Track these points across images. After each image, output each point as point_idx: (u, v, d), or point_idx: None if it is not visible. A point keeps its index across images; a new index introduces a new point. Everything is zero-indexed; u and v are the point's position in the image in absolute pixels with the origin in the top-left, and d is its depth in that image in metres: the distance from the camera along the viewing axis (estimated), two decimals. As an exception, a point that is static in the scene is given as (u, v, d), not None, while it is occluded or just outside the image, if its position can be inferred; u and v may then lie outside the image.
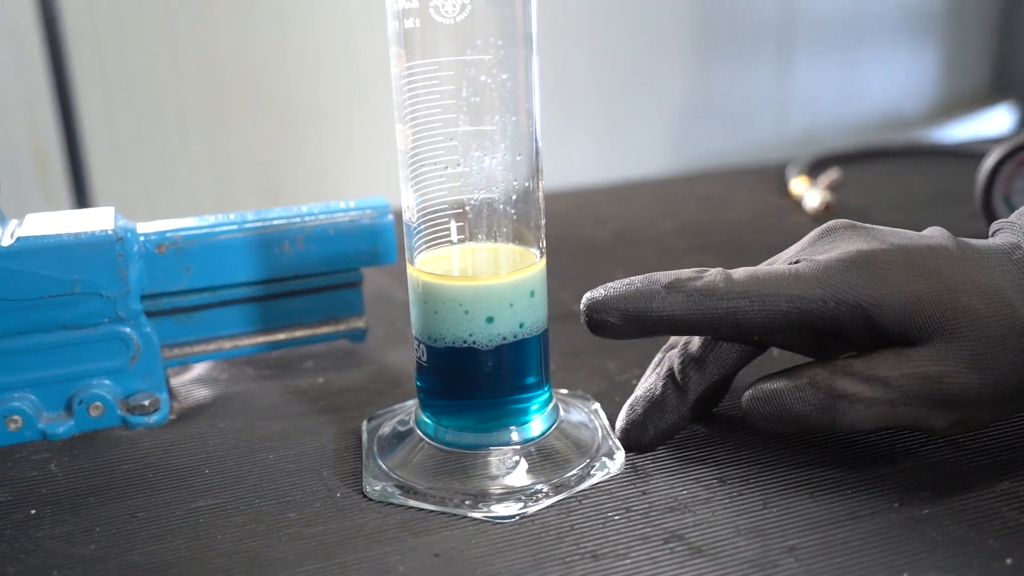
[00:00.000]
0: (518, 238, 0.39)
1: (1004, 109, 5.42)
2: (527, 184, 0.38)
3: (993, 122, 5.22)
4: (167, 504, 0.39)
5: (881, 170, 0.89)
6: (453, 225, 0.39)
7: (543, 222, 0.40)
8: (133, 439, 0.45)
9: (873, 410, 0.37)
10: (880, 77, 4.58)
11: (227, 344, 0.50)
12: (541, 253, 0.40)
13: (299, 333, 0.51)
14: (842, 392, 0.37)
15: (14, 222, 0.46)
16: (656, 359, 0.44)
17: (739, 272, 0.39)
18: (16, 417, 0.44)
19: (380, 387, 0.49)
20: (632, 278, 0.40)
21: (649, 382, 0.42)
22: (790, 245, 0.43)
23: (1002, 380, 0.37)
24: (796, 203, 0.78)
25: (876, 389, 0.37)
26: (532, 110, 0.38)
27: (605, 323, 0.39)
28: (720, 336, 0.40)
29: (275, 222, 0.48)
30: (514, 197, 0.38)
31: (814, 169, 0.87)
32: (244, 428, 0.46)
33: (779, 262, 0.42)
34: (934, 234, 0.40)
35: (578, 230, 0.75)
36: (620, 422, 0.42)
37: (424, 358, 0.40)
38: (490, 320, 0.38)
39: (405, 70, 0.37)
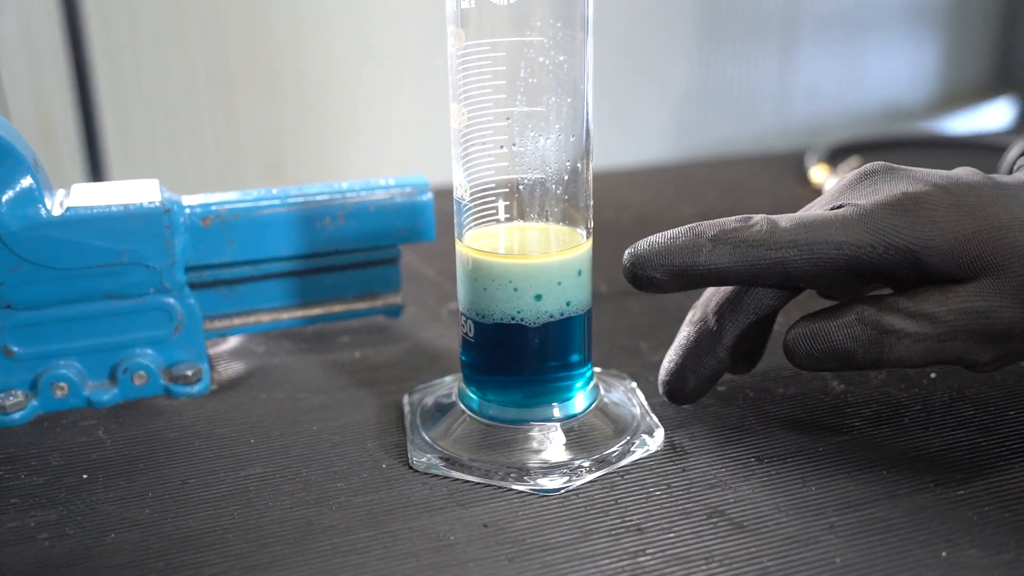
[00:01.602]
0: (567, 218, 0.40)
1: (1005, 102, 5.43)
2: (578, 165, 0.39)
3: (994, 115, 5.23)
4: (216, 472, 0.40)
5: (896, 160, 0.90)
6: (501, 204, 0.40)
7: (591, 203, 0.40)
8: (177, 408, 0.46)
9: (920, 345, 0.37)
10: (882, 68, 4.58)
11: (266, 317, 0.50)
12: (588, 233, 0.40)
13: (337, 308, 0.51)
14: (890, 327, 0.37)
15: (61, 192, 0.46)
16: (690, 314, 0.44)
17: (784, 219, 0.39)
18: (62, 384, 0.45)
19: (417, 362, 0.50)
20: (674, 230, 0.39)
21: (684, 331, 0.43)
22: None
23: None
24: (816, 191, 0.79)
25: (923, 324, 0.37)
26: (586, 92, 0.38)
27: (651, 279, 0.39)
28: (766, 284, 0.40)
29: (317, 198, 0.49)
30: (566, 178, 0.39)
31: (833, 158, 0.88)
32: (285, 399, 0.46)
33: (818, 206, 0.42)
34: (967, 173, 0.41)
35: (601, 214, 0.76)
36: (661, 375, 0.43)
37: (471, 334, 0.41)
38: (538, 298, 0.39)
39: (461, 49, 0.38)
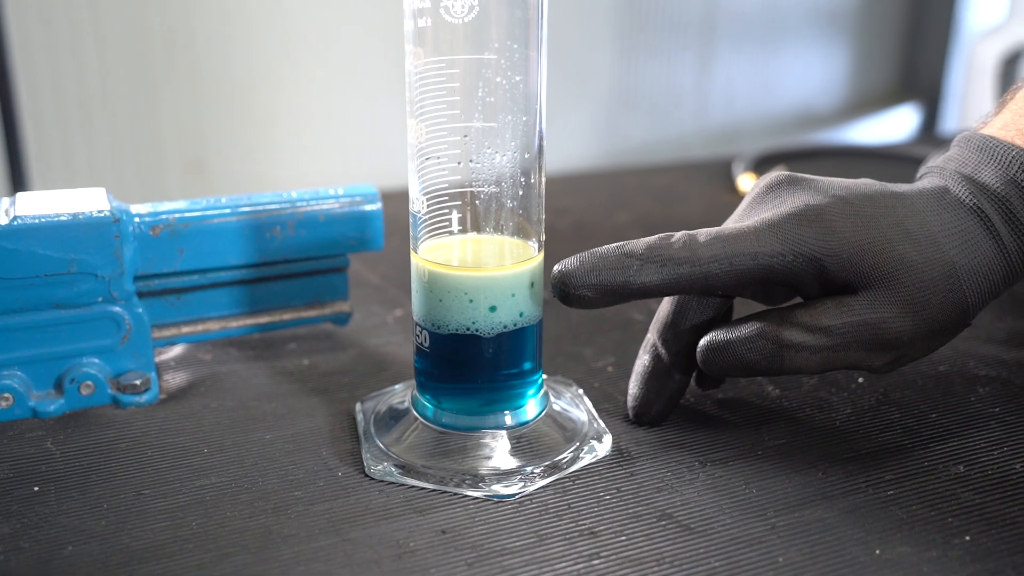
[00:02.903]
0: (519, 231, 0.41)
1: (909, 109, 5.63)
2: (532, 179, 0.40)
3: (899, 121, 5.42)
4: (171, 482, 0.40)
5: (817, 169, 0.94)
6: (455, 216, 0.41)
7: (543, 216, 0.42)
8: (126, 418, 0.46)
9: (817, 355, 0.40)
10: (795, 75, 4.70)
11: (215, 325, 0.50)
12: (540, 246, 0.42)
13: (286, 316, 0.52)
14: (789, 341, 0.40)
15: (6, 200, 0.46)
16: (644, 340, 0.46)
17: (703, 235, 0.41)
18: (7, 395, 0.45)
19: (366, 369, 0.51)
20: (602, 249, 0.41)
21: (640, 359, 0.44)
22: None
23: (932, 319, 0.40)
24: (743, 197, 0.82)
25: (819, 337, 0.40)
26: (540, 109, 0.40)
27: (582, 296, 0.40)
28: (691, 294, 0.42)
29: (267, 207, 0.49)
30: (520, 192, 0.40)
31: (759, 166, 0.91)
32: (236, 408, 0.47)
33: (732, 220, 0.44)
34: (866, 184, 0.43)
35: (537, 219, 0.78)
36: (628, 402, 0.45)
37: (426, 344, 0.42)
38: (493, 309, 0.40)
39: (419, 67, 0.39)
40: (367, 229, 0.51)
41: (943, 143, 1.04)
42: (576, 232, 0.75)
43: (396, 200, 0.62)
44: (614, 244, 0.41)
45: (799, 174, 0.44)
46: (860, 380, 0.49)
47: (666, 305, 0.44)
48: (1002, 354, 0.51)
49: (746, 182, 0.82)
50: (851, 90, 5.28)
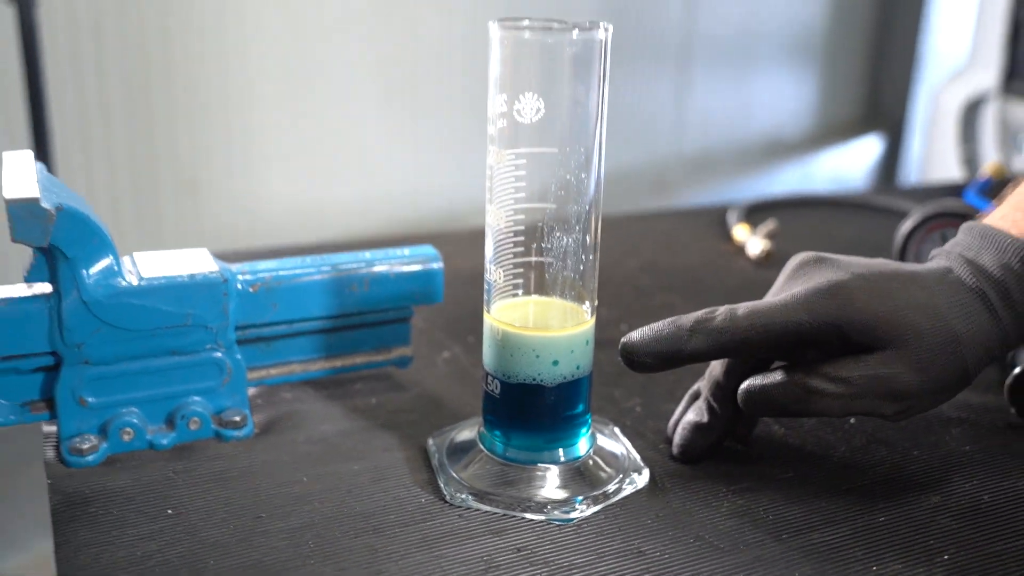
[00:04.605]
0: (577, 297, 0.49)
1: (874, 138, 5.77)
2: (590, 257, 0.48)
3: (864, 149, 5.56)
4: (282, 506, 0.48)
5: (809, 218, 1.03)
6: (523, 282, 0.49)
7: (596, 285, 0.50)
8: (229, 450, 0.53)
9: (838, 401, 0.48)
10: (766, 104, 4.85)
11: (298, 368, 0.58)
12: (593, 310, 0.50)
13: (358, 359, 0.59)
14: (815, 388, 0.48)
15: (127, 259, 0.53)
16: (694, 388, 0.54)
17: (742, 308, 0.49)
18: (128, 429, 0.52)
19: (426, 408, 0.58)
20: (658, 324, 0.50)
21: (694, 412, 0.53)
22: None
23: (936, 378, 0.48)
24: (739, 248, 0.91)
25: (840, 386, 0.48)
26: (598, 201, 0.48)
27: (644, 363, 0.49)
28: (732, 357, 0.51)
29: (346, 267, 0.57)
30: (581, 268, 0.48)
31: (751, 215, 1.00)
32: (322, 441, 0.54)
33: (769, 295, 0.53)
34: (882, 263, 0.52)
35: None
36: (678, 441, 0.53)
37: (497, 391, 0.49)
38: (555, 363, 0.48)
39: (496, 162, 0.47)
40: (430, 285, 0.59)
41: (908, 192, 1.14)
42: (591, 278, 0.83)
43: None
44: (668, 319, 0.49)
45: (825, 254, 0.52)
46: (852, 421, 0.58)
47: (717, 367, 0.52)
48: (972, 399, 0.60)
49: (740, 232, 0.91)
50: (819, 119, 5.42)
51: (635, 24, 3.64)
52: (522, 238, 0.48)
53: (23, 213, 0.45)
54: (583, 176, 0.47)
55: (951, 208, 0.76)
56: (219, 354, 0.53)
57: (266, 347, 0.57)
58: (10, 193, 0.45)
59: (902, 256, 0.78)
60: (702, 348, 0.49)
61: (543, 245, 0.47)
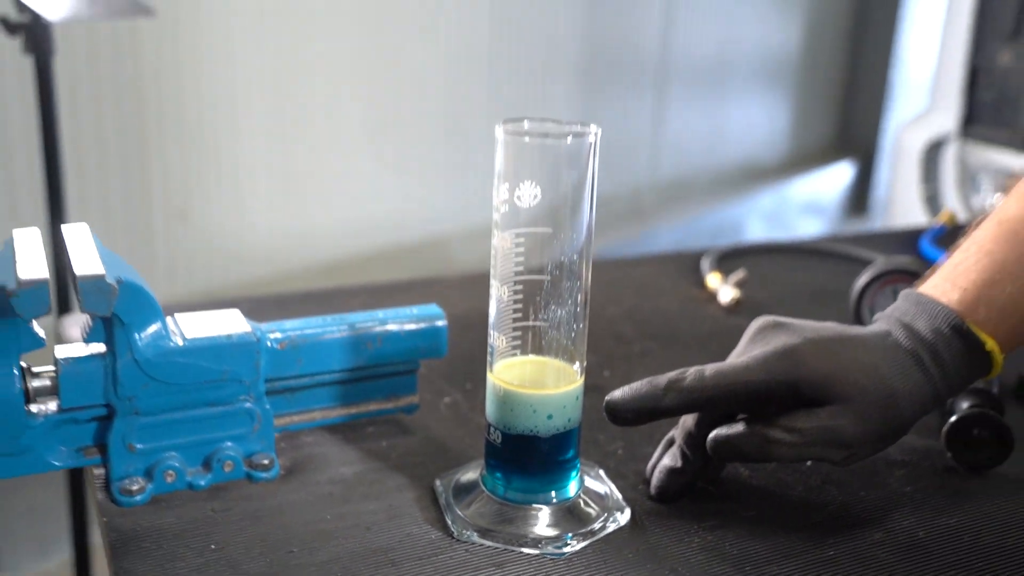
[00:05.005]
0: (569, 358, 0.56)
1: (846, 165, 5.88)
2: (580, 325, 0.56)
3: (836, 176, 5.67)
4: (310, 541, 0.55)
5: (775, 265, 1.11)
6: (522, 344, 0.56)
7: (585, 348, 0.57)
8: (259, 490, 0.60)
9: (792, 449, 0.56)
10: (741, 130, 4.96)
11: (317, 415, 0.65)
12: (583, 370, 0.57)
13: (371, 407, 0.66)
14: (772, 438, 0.56)
15: (170, 320, 0.60)
16: (669, 435, 0.62)
17: (709, 369, 0.57)
18: (171, 471, 0.58)
19: (432, 451, 0.66)
20: (638, 384, 0.57)
21: (669, 457, 0.60)
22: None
23: (876, 430, 0.56)
24: (712, 294, 0.98)
25: (794, 436, 0.56)
26: (587, 277, 0.55)
27: (625, 419, 0.57)
28: (701, 411, 0.58)
29: (362, 326, 0.64)
30: (573, 334, 0.56)
31: (723, 262, 1.08)
32: (341, 482, 0.61)
33: (732, 356, 0.60)
34: (831, 326, 0.59)
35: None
36: (655, 483, 0.60)
37: (498, 440, 0.57)
38: (550, 417, 0.56)
39: (499, 243, 0.54)
40: (436, 342, 0.66)
41: (869, 239, 1.22)
42: (576, 324, 0.91)
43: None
44: (645, 379, 0.57)
45: (781, 319, 0.60)
46: (808, 464, 0.65)
47: (689, 419, 0.59)
48: (915, 443, 0.68)
49: (713, 280, 0.99)
50: (792, 145, 5.55)
51: (614, 50, 3.74)
52: (520, 306, 0.55)
53: (91, 288, 0.52)
54: (575, 257, 0.54)
55: (901, 265, 0.84)
56: (250, 404, 0.60)
57: (290, 396, 0.64)
58: (80, 270, 0.52)
59: (858, 305, 0.86)
60: (674, 405, 0.56)
61: (540, 315, 0.55)
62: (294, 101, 2.61)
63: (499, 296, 0.55)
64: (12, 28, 1.12)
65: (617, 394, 0.57)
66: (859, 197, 5.45)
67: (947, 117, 1.88)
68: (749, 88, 4.64)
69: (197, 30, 2.29)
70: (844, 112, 5.56)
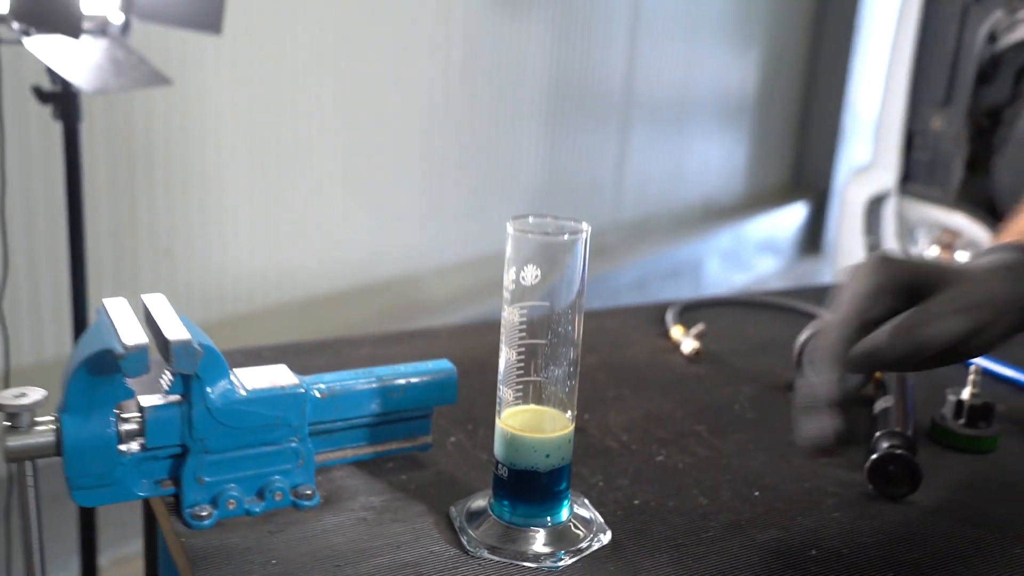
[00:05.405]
0: (563, 407, 0.70)
1: (800, 205, 6.11)
2: (573, 382, 0.69)
3: (791, 216, 5.88)
4: (356, 560, 0.67)
5: (731, 317, 1.25)
6: (524, 395, 0.69)
7: (576, 397, 0.70)
8: (303, 515, 0.72)
9: (935, 325, 0.62)
10: (700, 170, 5.16)
11: (349, 453, 0.77)
12: (573, 417, 0.70)
13: (392, 445, 0.79)
14: (920, 320, 0.63)
15: (232, 374, 0.72)
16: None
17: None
18: (232, 500, 0.71)
19: (444, 483, 0.78)
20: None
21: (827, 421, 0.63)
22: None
23: (1000, 291, 0.65)
24: (675, 345, 1.12)
25: (932, 312, 0.63)
26: (579, 342, 0.69)
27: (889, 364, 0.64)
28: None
29: (387, 378, 0.76)
30: (567, 388, 0.69)
31: (684, 313, 1.22)
32: (372, 509, 0.73)
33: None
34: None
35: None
36: (827, 434, 0.62)
37: (505, 475, 0.70)
38: (548, 456, 0.69)
39: (509, 315, 0.67)
40: (447, 391, 0.79)
41: (814, 292, 1.37)
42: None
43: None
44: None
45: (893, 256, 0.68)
46: (756, 494, 0.79)
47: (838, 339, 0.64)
48: (843, 477, 0.82)
49: (676, 332, 1.13)
50: (749, 185, 5.79)
51: (580, 91, 3.91)
52: (523, 365, 0.69)
53: (182, 352, 0.64)
54: (569, 327, 0.67)
55: (836, 324, 0.98)
56: (296, 444, 0.73)
57: (327, 437, 0.76)
58: (172, 336, 0.64)
59: (799, 359, 1.00)
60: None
61: (540, 373, 0.68)
62: (276, 146, 2.74)
63: (507, 357, 0.68)
64: (44, 97, 1.24)
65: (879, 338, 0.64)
66: (812, 236, 5.68)
67: (887, 174, 2.05)
68: (708, 128, 4.85)
69: (184, 84, 2.41)
70: (798, 154, 5.80)
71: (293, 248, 2.91)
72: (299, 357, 1.00)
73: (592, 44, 3.93)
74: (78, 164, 1.30)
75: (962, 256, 1.86)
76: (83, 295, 1.38)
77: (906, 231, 2.02)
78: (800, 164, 5.89)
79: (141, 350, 0.63)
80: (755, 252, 5.33)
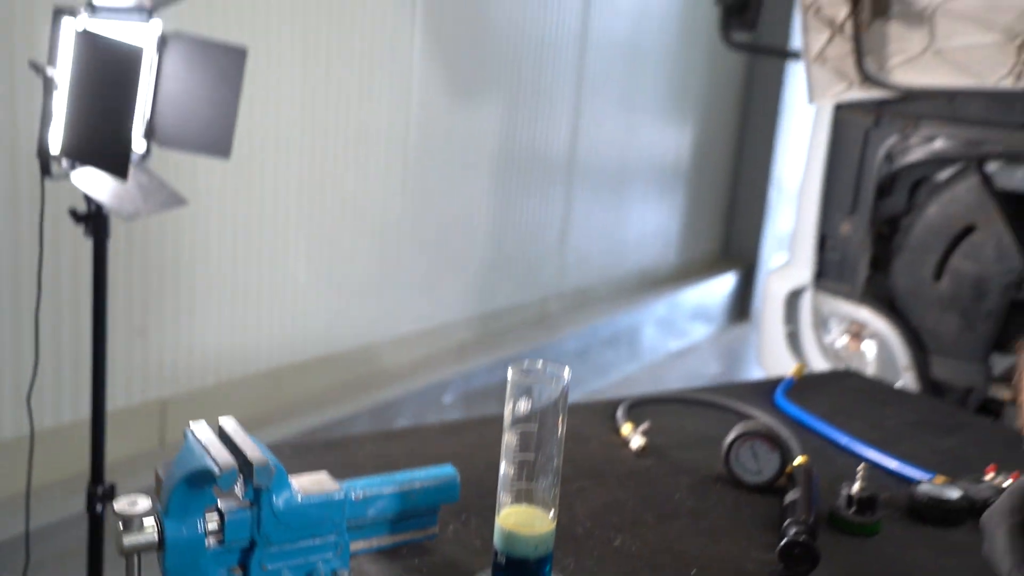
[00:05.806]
0: (547, 508, 0.91)
1: (730, 275, 6.45)
2: (555, 490, 0.90)
3: (721, 286, 6.21)
4: (385, 628, 0.87)
5: (670, 414, 1.48)
6: (517, 497, 0.90)
7: (558, 500, 0.91)
8: (344, 594, 0.91)
9: None
10: (637, 240, 5.46)
11: (375, 543, 0.97)
12: (555, 515, 0.91)
13: (407, 536, 0.99)
14: None
15: (292, 480, 0.91)
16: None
17: None
18: (287, 583, 0.90)
19: (449, 565, 0.98)
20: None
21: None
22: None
23: None
24: (625, 440, 1.34)
25: None
26: (560, 453, 0.90)
27: None
28: None
29: (406, 483, 0.97)
30: (551, 495, 0.90)
31: (632, 409, 1.44)
32: (395, 588, 0.93)
33: None
34: None
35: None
36: None
37: (503, 562, 0.90)
38: (536, 547, 0.90)
39: (510, 438, 0.89)
40: (451, 492, 0.99)
41: (747, 388, 1.60)
42: (530, 465, 1.25)
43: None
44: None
45: None
46: (694, 572, 1.00)
47: None
48: (761, 556, 1.04)
49: (626, 428, 1.35)
50: (682, 256, 6.13)
51: (527, 158, 4.17)
52: (517, 474, 0.90)
53: (262, 472, 0.84)
54: (553, 449, 0.89)
55: (756, 428, 1.21)
56: (335, 537, 0.92)
57: (358, 530, 0.96)
58: (254, 458, 0.84)
59: (727, 457, 1.22)
60: None
61: (530, 481, 0.89)
62: (243, 228, 2.93)
63: (506, 471, 0.89)
64: (79, 218, 1.42)
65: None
66: (741, 304, 6.00)
67: (804, 271, 2.32)
68: (646, 198, 5.15)
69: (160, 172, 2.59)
70: (728, 225, 6.15)
71: (258, 322, 3.09)
72: (314, 455, 1.19)
73: (538, 119, 4.20)
74: (104, 274, 1.48)
75: (869, 345, 2.12)
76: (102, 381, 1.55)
77: (820, 322, 2.28)
78: (729, 235, 6.24)
79: (232, 469, 0.82)
80: (688, 319, 5.62)
